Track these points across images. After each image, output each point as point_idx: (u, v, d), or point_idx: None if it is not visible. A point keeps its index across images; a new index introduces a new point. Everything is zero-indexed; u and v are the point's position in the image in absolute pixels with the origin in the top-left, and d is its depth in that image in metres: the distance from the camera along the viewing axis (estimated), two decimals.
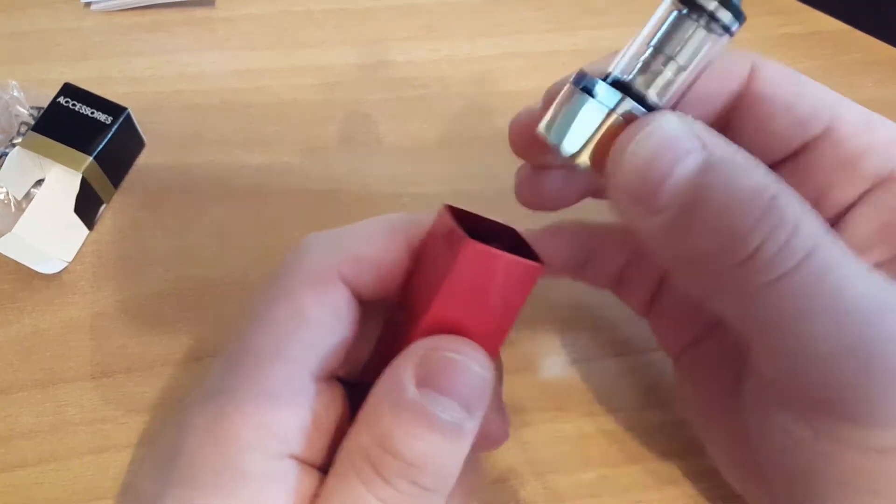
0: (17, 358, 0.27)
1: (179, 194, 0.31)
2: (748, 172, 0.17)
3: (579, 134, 0.18)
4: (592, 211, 0.25)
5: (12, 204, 0.30)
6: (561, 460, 0.26)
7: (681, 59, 0.18)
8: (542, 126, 0.19)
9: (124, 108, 0.30)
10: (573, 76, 0.19)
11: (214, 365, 0.20)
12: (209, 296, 0.29)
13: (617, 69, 0.19)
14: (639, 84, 0.18)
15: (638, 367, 0.28)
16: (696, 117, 0.18)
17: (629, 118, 0.18)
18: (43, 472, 0.25)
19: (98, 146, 0.29)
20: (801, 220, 0.16)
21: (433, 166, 0.33)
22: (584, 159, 0.19)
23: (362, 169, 0.32)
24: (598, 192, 0.25)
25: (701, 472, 0.26)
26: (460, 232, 0.18)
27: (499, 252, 0.18)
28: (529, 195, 0.24)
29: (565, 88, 0.19)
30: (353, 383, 0.22)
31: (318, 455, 0.19)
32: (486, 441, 0.21)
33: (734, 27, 0.17)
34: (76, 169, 0.28)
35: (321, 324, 0.19)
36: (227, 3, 0.37)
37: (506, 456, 0.26)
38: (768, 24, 0.38)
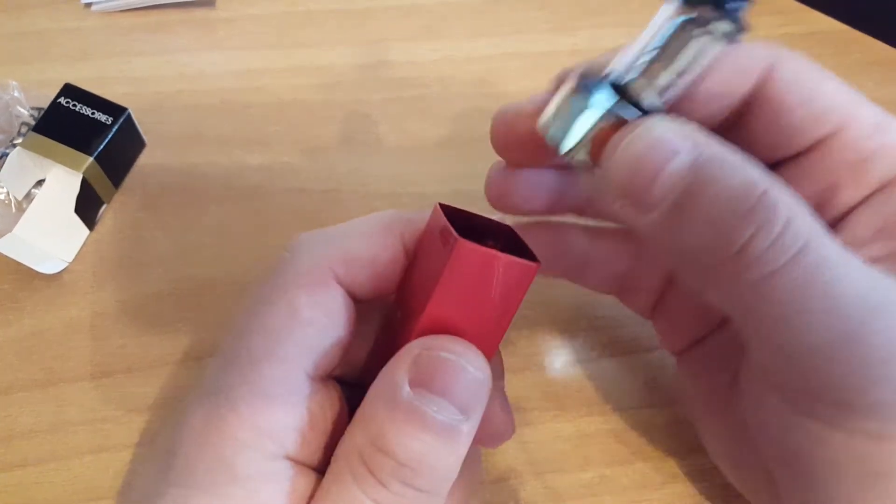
0: (17, 358, 0.27)
1: (179, 194, 0.31)
2: (739, 169, 0.17)
3: (576, 133, 0.19)
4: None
5: (13, 204, 0.30)
6: (561, 460, 0.26)
7: (680, 64, 0.18)
8: (541, 121, 0.19)
9: (124, 109, 0.30)
10: (574, 73, 0.19)
11: (210, 365, 0.20)
12: (209, 296, 0.29)
13: (617, 70, 0.19)
14: (638, 86, 0.18)
15: (638, 367, 0.28)
16: (713, 109, 0.18)
17: (623, 120, 0.18)
18: (43, 472, 0.25)
19: (98, 146, 0.29)
20: (793, 215, 0.17)
21: (433, 166, 0.33)
22: (581, 157, 0.19)
23: (362, 169, 0.32)
24: (580, 209, 0.25)
25: (701, 472, 0.26)
26: (453, 232, 0.18)
27: (493, 252, 0.18)
28: (497, 194, 0.24)
29: (565, 86, 0.19)
30: (353, 384, 0.22)
31: (314, 455, 0.19)
32: (491, 437, 0.21)
33: (737, 37, 0.17)
34: (77, 169, 0.28)
35: (315, 324, 0.19)
36: (227, 3, 0.37)
37: (506, 455, 0.26)
38: (768, 24, 0.38)
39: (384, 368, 0.19)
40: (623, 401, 0.28)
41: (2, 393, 0.26)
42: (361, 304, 0.21)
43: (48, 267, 0.28)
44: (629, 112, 0.18)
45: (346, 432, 0.19)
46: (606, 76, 0.19)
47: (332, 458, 0.19)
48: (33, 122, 0.30)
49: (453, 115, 0.34)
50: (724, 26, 0.17)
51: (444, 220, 0.19)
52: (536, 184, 0.23)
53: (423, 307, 0.18)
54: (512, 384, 0.26)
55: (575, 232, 0.24)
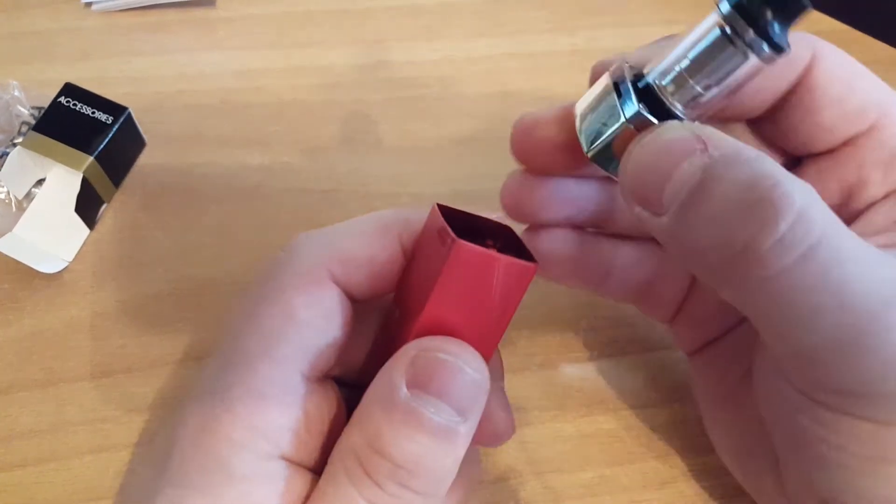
0: (17, 358, 0.27)
1: (179, 194, 0.31)
2: (748, 165, 0.17)
3: (602, 135, 0.19)
4: None
5: (13, 204, 0.30)
6: (560, 460, 0.26)
7: (715, 76, 0.18)
8: (577, 109, 0.20)
9: (125, 108, 0.30)
10: (612, 69, 0.19)
11: (207, 366, 0.20)
12: (209, 296, 0.29)
13: (652, 73, 0.19)
14: (669, 93, 0.18)
15: (637, 367, 0.28)
16: (756, 102, 0.19)
17: (647, 125, 0.18)
18: (43, 472, 0.25)
19: (99, 146, 0.29)
20: (805, 209, 0.16)
21: (433, 166, 0.33)
22: (604, 159, 0.19)
23: (362, 169, 0.32)
24: (597, 221, 0.24)
25: (700, 472, 0.26)
26: (451, 232, 0.18)
27: (491, 252, 0.18)
28: (513, 203, 0.23)
29: (601, 83, 0.19)
30: (352, 385, 0.22)
31: (310, 456, 0.19)
32: (490, 437, 0.21)
33: (775, 58, 0.17)
34: (77, 168, 0.28)
35: (311, 324, 0.19)
36: (227, 3, 0.37)
37: (506, 455, 0.26)
38: None
39: (381, 369, 0.19)
40: (623, 401, 0.28)
41: (2, 393, 0.26)
42: (360, 305, 0.21)
43: (48, 266, 0.28)
44: (654, 117, 0.18)
45: (343, 433, 0.19)
46: (639, 77, 0.19)
47: (329, 459, 0.19)
48: (34, 122, 0.30)
49: (453, 115, 0.34)
50: (762, 47, 0.17)
51: (441, 220, 0.19)
52: (554, 194, 0.23)
53: (422, 308, 0.18)
54: (512, 384, 0.26)
55: (598, 240, 0.24)
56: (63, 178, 0.29)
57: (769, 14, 0.17)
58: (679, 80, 0.18)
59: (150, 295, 0.29)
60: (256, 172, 0.32)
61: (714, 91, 0.18)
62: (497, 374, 0.23)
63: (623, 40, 0.37)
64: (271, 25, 0.36)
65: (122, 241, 0.30)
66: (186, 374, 0.27)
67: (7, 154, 0.29)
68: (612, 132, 0.19)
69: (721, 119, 0.22)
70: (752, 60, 0.17)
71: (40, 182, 0.30)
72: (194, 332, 0.28)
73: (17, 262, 0.28)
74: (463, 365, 0.18)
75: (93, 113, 0.30)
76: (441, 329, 0.19)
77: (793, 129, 0.21)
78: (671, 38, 0.19)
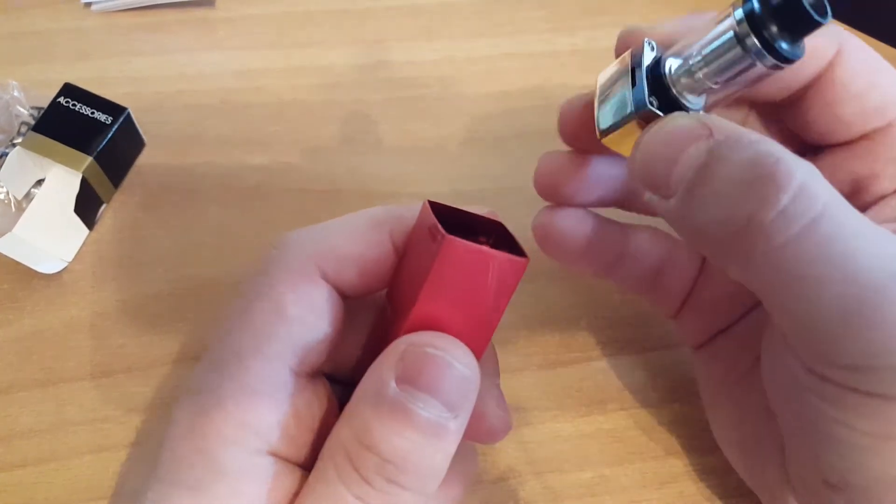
0: (17, 358, 0.27)
1: (179, 194, 0.31)
2: (750, 146, 0.17)
3: (614, 119, 0.20)
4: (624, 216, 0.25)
5: (12, 204, 0.30)
6: (560, 460, 0.26)
7: (726, 76, 0.18)
8: (599, 80, 0.21)
9: (124, 108, 0.30)
10: (633, 49, 0.20)
11: (199, 363, 0.20)
12: (209, 296, 0.29)
13: (667, 64, 0.19)
14: (681, 86, 0.19)
15: (637, 367, 0.28)
16: (779, 87, 0.20)
17: (654, 118, 0.19)
18: (43, 472, 0.25)
19: (98, 146, 0.29)
20: (807, 183, 0.16)
21: (433, 166, 0.33)
22: (615, 143, 0.20)
23: (362, 169, 0.32)
24: (624, 202, 0.25)
25: (700, 472, 0.26)
26: (441, 229, 0.18)
27: (481, 248, 0.18)
28: (546, 184, 0.24)
29: (620, 63, 0.20)
30: (345, 382, 0.22)
31: (300, 452, 0.19)
32: (486, 434, 0.21)
33: (784, 67, 0.18)
34: (76, 169, 0.28)
35: (301, 320, 0.19)
36: (227, 3, 0.37)
37: (505, 455, 0.26)
38: None
39: (372, 365, 0.19)
40: (622, 401, 0.28)
41: (2, 393, 0.26)
42: (352, 302, 0.21)
43: (48, 267, 0.28)
44: (663, 111, 0.19)
45: (333, 429, 0.19)
46: (657, 62, 0.20)
47: (319, 456, 0.19)
48: (33, 122, 0.30)
49: (453, 115, 0.34)
50: (768, 59, 0.17)
51: (432, 217, 0.19)
52: (592, 173, 0.24)
53: (413, 304, 0.18)
54: (511, 384, 0.26)
55: (610, 226, 0.25)
56: (62, 179, 0.29)
57: (775, 29, 0.17)
58: (692, 74, 0.19)
59: (150, 295, 0.29)
60: (256, 172, 0.32)
61: (725, 88, 0.19)
62: (492, 371, 0.23)
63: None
64: (271, 25, 0.36)
65: (122, 241, 0.30)
66: (186, 374, 0.27)
67: (6, 154, 0.29)
68: (623, 120, 0.20)
69: (728, 105, 0.22)
70: (761, 68, 0.18)
71: (40, 182, 0.30)
72: (194, 332, 0.28)
73: (17, 263, 0.28)
74: (452, 360, 0.18)
75: (92, 113, 0.30)
76: (432, 325, 0.19)
77: (811, 120, 0.22)
78: (697, 18, 0.20)
